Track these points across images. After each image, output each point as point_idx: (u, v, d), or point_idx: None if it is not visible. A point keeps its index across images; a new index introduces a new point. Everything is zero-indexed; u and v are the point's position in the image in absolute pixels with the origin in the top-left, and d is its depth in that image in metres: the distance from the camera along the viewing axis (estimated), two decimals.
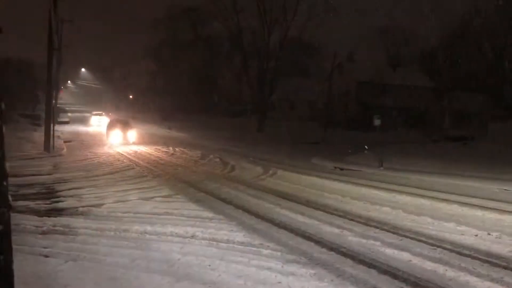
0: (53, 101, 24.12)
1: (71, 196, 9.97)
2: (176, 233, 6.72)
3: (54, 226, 7.14)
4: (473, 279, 4.96)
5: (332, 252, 5.97)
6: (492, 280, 4.97)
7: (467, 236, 6.75)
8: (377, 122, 17.59)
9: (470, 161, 18.22)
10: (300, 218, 8.04)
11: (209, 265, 5.28)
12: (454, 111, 40.91)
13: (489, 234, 6.86)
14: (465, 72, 39.69)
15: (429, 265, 5.42)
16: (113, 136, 25.22)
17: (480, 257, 5.79)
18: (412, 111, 41.79)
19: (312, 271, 5.16)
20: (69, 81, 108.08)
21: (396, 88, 44.03)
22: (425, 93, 44.87)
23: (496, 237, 6.70)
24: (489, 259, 5.69)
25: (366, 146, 20.91)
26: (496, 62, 38.32)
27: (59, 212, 8.37)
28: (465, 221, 7.78)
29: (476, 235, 6.80)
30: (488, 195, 10.80)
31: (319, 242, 6.48)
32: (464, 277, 5.03)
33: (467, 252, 5.99)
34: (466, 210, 8.78)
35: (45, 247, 5.95)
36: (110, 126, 27.23)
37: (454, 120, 39.93)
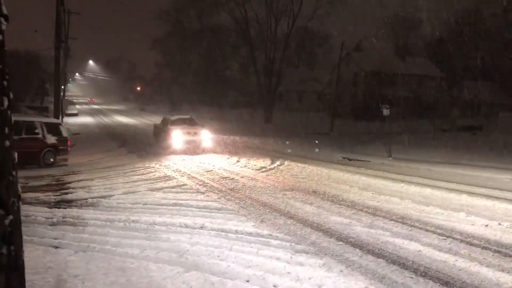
0: (61, 94, 24.24)
1: (81, 187, 10.05)
2: (185, 224, 6.75)
3: (64, 217, 7.19)
4: (483, 269, 4.92)
5: (341, 242, 5.96)
6: (503, 270, 4.93)
7: (477, 226, 6.70)
8: (385, 112, 17.46)
9: (480, 151, 18.07)
10: (308, 208, 8.03)
11: (218, 256, 5.29)
12: (463, 101, 40.55)
13: (499, 224, 6.80)
14: (475, 61, 39.23)
15: (439, 255, 5.39)
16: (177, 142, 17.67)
17: (491, 247, 5.74)
18: (421, 101, 41.48)
19: (321, 261, 5.15)
20: (76, 73, 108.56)
21: (404, 78, 43.69)
22: (434, 82, 44.50)
23: (507, 227, 6.64)
24: (500, 249, 5.65)
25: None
26: (506, 50, 37.79)
27: (68, 203, 8.44)
28: (475, 211, 7.73)
29: (487, 225, 6.75)
30: (498, 185, 10.71)
31: (327, 232, 6.47)
32: (474, 267, 5.00)
33: (477, 242, 5.95)
34: (476, 200, 8.71)
35: (55, 238, 6.00)
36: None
37: (464, 110, 39.59)
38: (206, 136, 18.18)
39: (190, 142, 17.59)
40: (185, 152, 17.20)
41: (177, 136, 17.47)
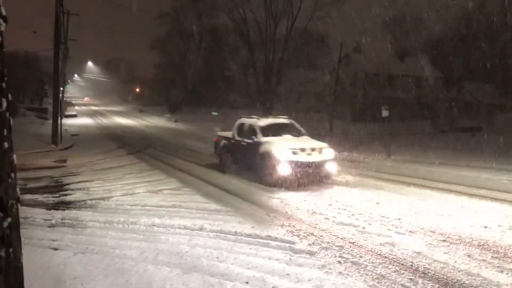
0: (60, 95, 24.23)
1: (79, 189, 10.04)
2: (184, 226, 6.74)
3: (63, 219, 7.19)
4: (483, 271, 4.92)
5: (340, 244, 5.95)
6: (503, 271, 4.92)
7: (477, 228, 6.69)
8: (385, 113, 17.45)
9: (479, 152, 18.09)
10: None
11: (217, 257, 5.29)
12: (462, 102, 40.59)
13: (499, 225, 6.79)
14: (474, 62, 39.27)
15: (438, 257, 5.38)
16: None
17: (490, 248, 5.73)
18: (420, 102, 41.49)
19: (320, 263, 5.15)
20: (75, 75, 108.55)
21: (403, 79, 43.73)
22: (433, 83, 44.49)
23: (506, 228, 6.63)
24: (499, 250, 5.64)
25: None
26: (505, 51, 37.84)
27: (67, 205, 8.43)
28: (474, 212, 7.72)
29: (486, 227, 6.74)
30: (497, 187, 10.69)
31: (327, 233, 6.46)
32: (474, 268, 4.99)
33: (476, 243, 5.94)
34: (475, 201, 8.71)
35: (54, 240, 6.00)
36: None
37: (463, 111, 39.63)
38: (330, 156, 10.81)
39: (306, 166, 10.25)
40: (298, 184, 10.27)
41: (283, 157, 10.15)
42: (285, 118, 13.05)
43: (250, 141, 11.58)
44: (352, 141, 23.21)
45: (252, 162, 11.27)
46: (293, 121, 12.93)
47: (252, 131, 11.82)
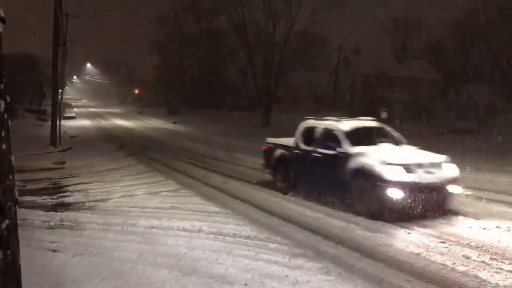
0: (59, 97, 24.22)
1: (78, 191, 10.04)
2: (182, 227, 6.74)
3: (61, 220, 7.18)
4: (482, 273, 4.91)
5: (339, 246, 5.95)
6: (501, 273, 4.92)
7: (476, 229, 6.69)
8: (383, 114, 17.51)
9: (479, 153, 18.08)
10: (307, 212, 8.02)
11: (216, 259, 5.28)
12: (461, 103, 40.67)
13: (497, 227, 6.78)
14: (472, 63, 39.37)
15: (437, 259, 5.38)
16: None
17: (490, 250, 5.72)
18: (419, 103, 41.57)
19: (320, 265, 5.14)
20: (75, 76, 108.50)
21: (402, 80, 43.81)
22: (431, 85, 44.64)
23: (505, 230, 6.62)
24: (499, 252, 5.62)
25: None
26: (504, 53, 37.92)
27: (66, 207, 8.43)
28: (473, 213, 7.70)
29: (484, 228, 6.74)
30: (496, 188, 10.68)
31: (326, 236, 6.46)
32: (473, 270, 4.98)
33: (475, 245, 5.94)
34: (474, 203, 8.68)
35: (52, 242, 5.99)
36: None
37: (461, 112, 39.69)
38: (454, 173, 7.76)
39: (428, 190, 7.24)
40: (411, 214, 7.15)
41: (394, 176, 7.13)
42: (372, 120, 9.88)
43: (329, 152, 8.44)
44: None
45: (333, 181, 8.37)
46: (383, 125, 9.79)
47: (331, 137, 8.66)
